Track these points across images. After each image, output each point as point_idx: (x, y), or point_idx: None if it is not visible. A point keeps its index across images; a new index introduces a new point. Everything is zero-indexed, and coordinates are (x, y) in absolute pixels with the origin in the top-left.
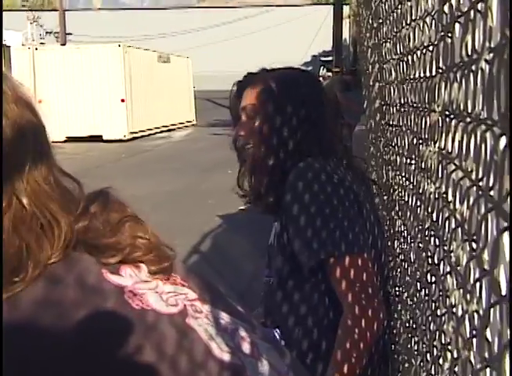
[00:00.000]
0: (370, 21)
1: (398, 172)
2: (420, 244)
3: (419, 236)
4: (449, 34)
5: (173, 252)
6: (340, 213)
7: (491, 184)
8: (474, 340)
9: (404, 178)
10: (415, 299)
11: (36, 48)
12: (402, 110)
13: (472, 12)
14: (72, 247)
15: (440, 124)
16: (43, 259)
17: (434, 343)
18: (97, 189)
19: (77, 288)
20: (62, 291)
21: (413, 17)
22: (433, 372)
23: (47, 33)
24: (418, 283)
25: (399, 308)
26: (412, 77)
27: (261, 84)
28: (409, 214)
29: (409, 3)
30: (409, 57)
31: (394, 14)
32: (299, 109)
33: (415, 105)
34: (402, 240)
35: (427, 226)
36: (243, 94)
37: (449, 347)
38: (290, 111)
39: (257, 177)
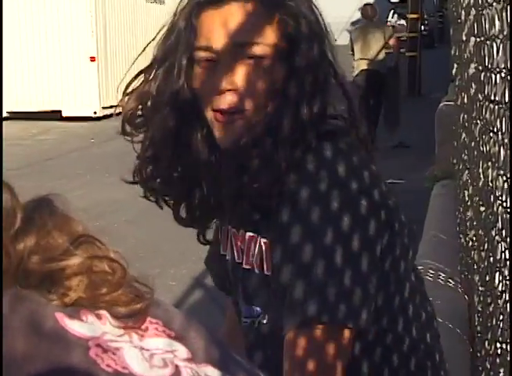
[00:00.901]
0: None
1: (502, 172)
2: None
3: None
4: None
5: (150, 289)
6: (363, 259)
7: None
8: None
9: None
10: None
11: None
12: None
13: None
14: (10, 279)
15: None
16: None
17: None
18: (37, 196)
19: (28, 337)
20: (8, 341)
21: None
22: None
23: None
24: None
25: None
26: None
27: None
28: None
29: None
30: None
31: None
32: (319, 43)
33: None
34: None
35: None
36: (210, 13)
37: None
38: (317, 46)
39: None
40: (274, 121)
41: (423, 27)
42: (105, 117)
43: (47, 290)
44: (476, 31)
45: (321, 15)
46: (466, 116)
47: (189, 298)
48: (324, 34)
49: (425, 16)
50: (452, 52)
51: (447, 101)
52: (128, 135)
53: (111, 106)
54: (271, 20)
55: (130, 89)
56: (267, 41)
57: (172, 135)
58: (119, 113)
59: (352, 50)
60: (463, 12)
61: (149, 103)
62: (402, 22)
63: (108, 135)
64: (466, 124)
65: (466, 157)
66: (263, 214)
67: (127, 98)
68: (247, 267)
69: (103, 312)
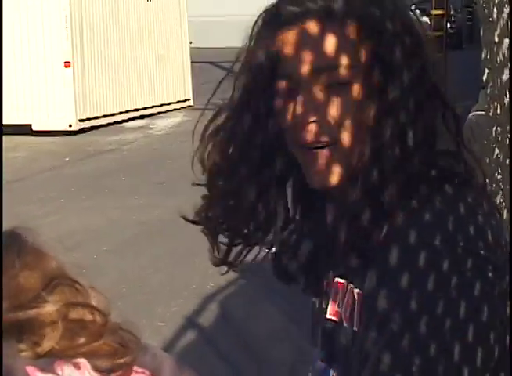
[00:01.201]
0: None
1: None
2: None
3: None
4: None
5: (136, 337)
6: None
7: None
8: None
9: None
10: None
11: None
12: None
13: None
14: None
15: None
16: None
17: None
18: (3, 230)
19: None
20: None
21: None
22: None
23: None
24: None
25: None
26: None
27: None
28: None
29: None
30: None
31: None
32: (416, 59)
33: None
34: None
35: None
36: (285, 36)
37: None
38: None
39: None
40: (376, 152)
41: (449, 25)
42: (81, 131)
43: (16, 339)
44: (510, 32)
45: (420, 22)
46: (499, 129)
47: (181, 340)
48: (424, 48)
49: (451, 13)
50: (483, 54)
51: (477, 111)
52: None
53: (89, 119)
54: (357, 37)
55: (207, 133)
56: (354, 62)
57: (264, 184)
58: (98, 127)
59: None
60: (495, 9)
61: (233, 151)
62: (426, 19)
63: (85, 153)
64: (500, 138)
65: (499, 177)
66: (362, 258)
67: (208, 147)
68: (334, 318)
69: (82, 361)
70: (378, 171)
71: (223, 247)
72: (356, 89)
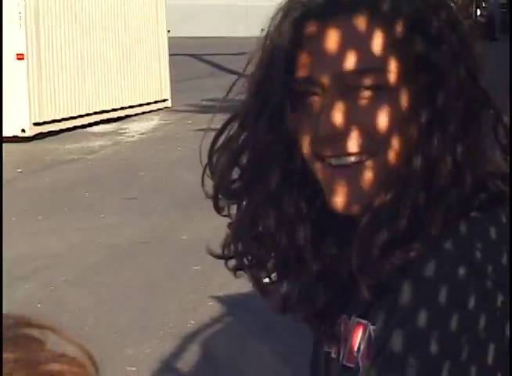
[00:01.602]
0: None
1: None
2: None
3: None
4: None
5: None
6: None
7: None
8: None
9: None
10: None
11: None
12: None
13: None
14: None
15: None
16: None
17: None
18: None
19: None
20: None
21: None
22: None
23: None
24: None
25: None
26: None
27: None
28: None
29: None
30: None
31: None
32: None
33: None
34: None
35: None
36: (318, 31)
37: None
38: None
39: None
40: (423, 170)
41: (479, 12)
42: (37, 137)
43: None
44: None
45: (461, 22)
46: None
47: None
48: (471, 49)
49: None
50: None
51: None
52: (220, 211)
53: (46, 123)
54: (405, 36)
55: (217, 146)
56: (402, 64)
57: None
58: (58, 132)
59: None
60: None
61: (246, 163)
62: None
63: (41, 163)
64: None
65: None
66: (377, 292)
67: (215, 159)
68: (350, 365)
69: None
70: (425, 193)
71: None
72: (402, 96)
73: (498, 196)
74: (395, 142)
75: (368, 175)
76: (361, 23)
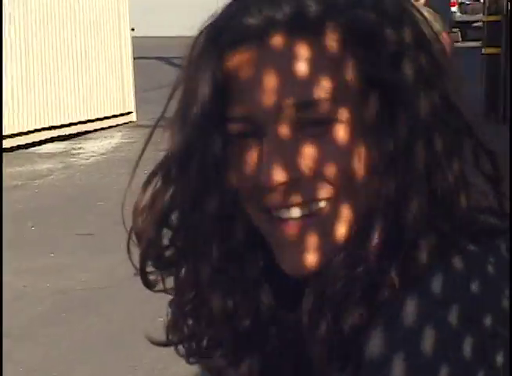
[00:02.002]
0: None
1: None
2: None
3: None
4: None
5: None
6: None
7: None
8: None
9: None
10: None
11: None
12: None
13: None
14: None
15: None
16: None
17: None
18: None
19: None
20: None
21: None
22: None
23: None
24: None
25: None
26: None
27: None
28: None
29: None
30: None
31: None
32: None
33: None
34: None
35: None
36: (238, 58)
37: None
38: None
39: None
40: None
41: (510, 7)
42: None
43: None
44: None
45: (430, 40)
46: None
47: None
48: (446, 73)
49: None
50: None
51: None
52: (151, 286)
53: (19, 134)
54: (343, 51)
55: (141, 206)
56: (340, 88)
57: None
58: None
59: None
60: None
61: (177, 224)
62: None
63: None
64: None
65: None
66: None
67: (140, 221)
68: None
69: None
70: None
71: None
72: (343, 127)
73: (492, 229)
74: (353, 184)
75: (324, 226)
76: (286, 42)
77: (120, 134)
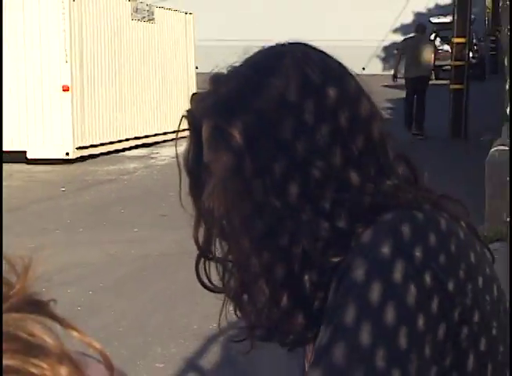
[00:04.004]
0: None
1: None
2: None
3: None
4: None
5: None
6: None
7: None
8: None
9: None
10: None
11: None
12: None
13: None
14: None
15: None
16: None
17: None
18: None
19: None
20: None
21: None
22: None
23: None
24: None
25: None
26: None
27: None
28: None
29: None
30: None
31: None
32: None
33: None
34: None
35: None
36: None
37: None
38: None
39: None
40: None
41: (471, 54)
42: (79, 159)
43: None
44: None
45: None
46: None
47: None
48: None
49: (474, 41)
50: (507, 86)
51: (500, 145)
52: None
53: (88, 147)
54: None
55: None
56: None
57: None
58: (97, 156)
59: (399, 55)
60: None
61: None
62: (447, 47)
63: (82, 183)
64: None
65: None
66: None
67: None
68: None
69: None
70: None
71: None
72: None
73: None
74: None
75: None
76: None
77: (185, 143)
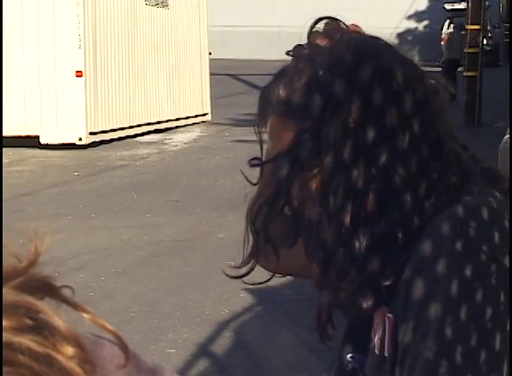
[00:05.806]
0: None
1: None
2: None
3: None
4: None
5: None
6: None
7: None
8: None
9: None
10: None
11: None
12: None
13: None
14: None
15: None
16: None
17: None
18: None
19: None
20: None
21: None
22: None
23: None
24: None
25: None
26: None
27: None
28: None
29: None
30: None
31: None
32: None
33: None
34: None
35: None
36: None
37: None
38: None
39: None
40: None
41: (485, 41)
42: (92, 144)
43: None
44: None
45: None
46: None
47: (192, 368)
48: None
49: (488, 28)
50: None
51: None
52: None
53: (101, 132)
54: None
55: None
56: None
57: None
58: (110, 141)
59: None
60: None
61: None
62: (461, 32)
63: (95, 168)
64: None
65: None
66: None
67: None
68: (382, 353)
69: None
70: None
71: None
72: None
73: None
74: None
75: None
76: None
77: (199, 129)
